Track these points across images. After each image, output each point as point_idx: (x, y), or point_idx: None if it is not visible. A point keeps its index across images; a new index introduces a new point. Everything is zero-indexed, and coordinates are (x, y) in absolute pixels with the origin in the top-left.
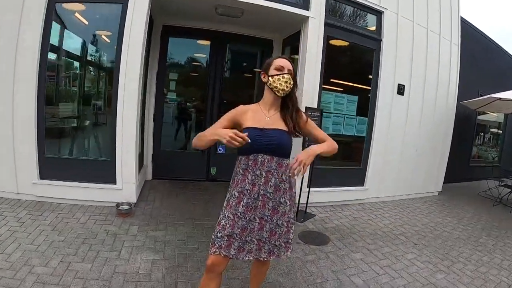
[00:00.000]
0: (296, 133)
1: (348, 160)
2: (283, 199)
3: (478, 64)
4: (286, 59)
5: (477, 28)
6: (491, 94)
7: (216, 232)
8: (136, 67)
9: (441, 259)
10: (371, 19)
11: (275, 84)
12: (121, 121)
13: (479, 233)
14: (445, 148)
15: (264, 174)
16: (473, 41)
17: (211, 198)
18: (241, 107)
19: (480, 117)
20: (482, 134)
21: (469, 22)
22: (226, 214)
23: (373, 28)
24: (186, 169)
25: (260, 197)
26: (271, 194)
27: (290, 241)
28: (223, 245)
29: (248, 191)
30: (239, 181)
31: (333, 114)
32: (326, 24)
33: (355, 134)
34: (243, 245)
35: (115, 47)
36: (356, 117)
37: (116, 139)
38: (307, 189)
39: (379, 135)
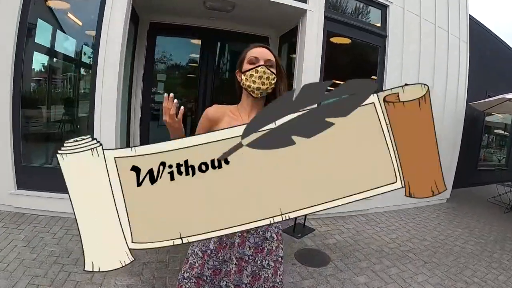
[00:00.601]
0: None
1: None
2: (269, 233)
3: (485, 63)
4: (263, 47)
5: (484, 26)
6: (499, 95)
7: (182, 272)
8: (115, 64)
9: (454, 280)
10: (375, 13)
11: (248, 83)
12: (99, 122)
13: (492, 246)
14: (453, 153)
15: None
16: (480, 39)
17: None
18: (213, 111)
19: (486, 118)
20: (488, 135)
21: (475, 19)
22: (195, 250)
23: (378, 23)
24: None
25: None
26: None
27: (277, 285)
28: None
29: None
30: None
31: None
32: (326, 18)
33: None
34: None
35: (93, 43)
36: None
37: None
38: None
39: None
